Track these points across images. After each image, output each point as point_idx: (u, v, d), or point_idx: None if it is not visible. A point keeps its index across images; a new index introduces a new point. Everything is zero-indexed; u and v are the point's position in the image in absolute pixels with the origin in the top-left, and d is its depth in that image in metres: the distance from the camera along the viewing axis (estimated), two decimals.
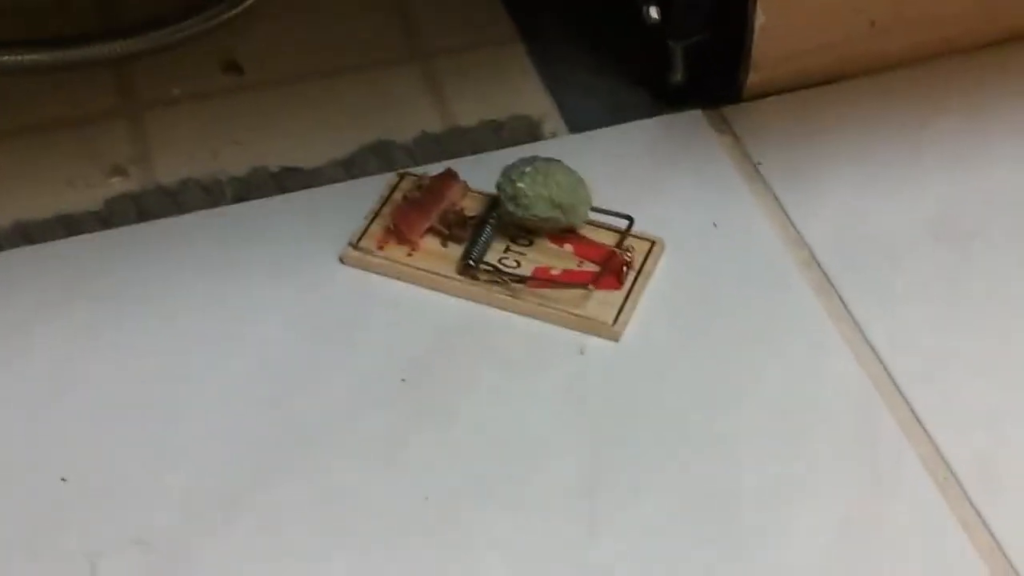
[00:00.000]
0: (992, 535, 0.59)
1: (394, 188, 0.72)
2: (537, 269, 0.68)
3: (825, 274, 0.69)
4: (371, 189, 0.72)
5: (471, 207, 0.71)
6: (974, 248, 0.70)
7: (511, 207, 0.68)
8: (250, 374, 0.65)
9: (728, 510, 0.60)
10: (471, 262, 0.68)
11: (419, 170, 0.73)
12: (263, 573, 0.58)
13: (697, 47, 0.77)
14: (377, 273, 0.69)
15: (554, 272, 0.68)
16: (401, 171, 0.73)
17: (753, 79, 0.76)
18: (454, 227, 0.69)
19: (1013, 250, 0.70)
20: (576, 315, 0.66)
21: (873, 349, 0.66)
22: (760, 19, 0.73)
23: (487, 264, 0.68)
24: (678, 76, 0.77)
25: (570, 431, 0.63)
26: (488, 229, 0.69)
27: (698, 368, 0.65)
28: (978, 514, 0.60)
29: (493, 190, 0.69)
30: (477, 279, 0.68)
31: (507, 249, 0.69)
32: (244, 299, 0.68)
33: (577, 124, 0.77)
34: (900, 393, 0.64)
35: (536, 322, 0.67)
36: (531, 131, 0.77)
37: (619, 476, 0.61)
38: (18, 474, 0.61)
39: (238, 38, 0.82)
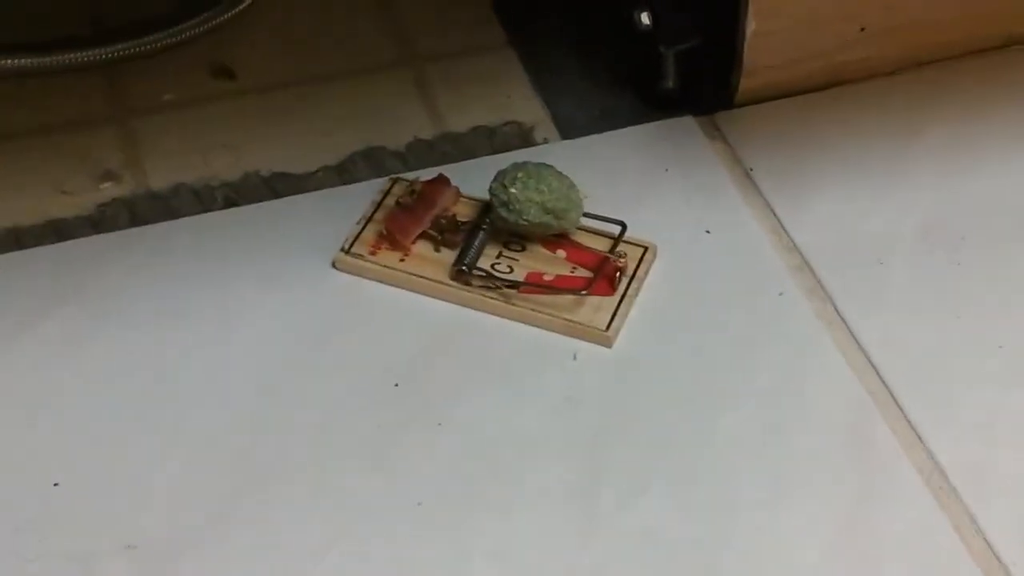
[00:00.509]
0: (986, 540, 0.59)
1: (386, 193, 0.72)
2: (530, 275, 0.68)
3: (817, 279, 0.69)
4: (363, 194, 0.72)
5: (464, 212, 0.71)
6: (966, 253, 0.70)
7: (503, 212, 0.68)
8: (242, 379, 0.65)
9: (721, 516, 0.60)
10: (464, 267, 0.68)
11: (411, 175, 0.72)
12: None
13: (689, 53, 0.77)
14: (370, 278, 0.69)
15: (547, 278, 0.68)
16: (393, 176, 0.73)
17: (745, 85, 0.76)
18: (447, 232, 0.69)
19: (1004, 255, 0.70)
20: (569, 321, 0.66)
21: (866, 354, 0.66)
22: (751, 25, 0.73)
23: (480, 269, 0.68)
24: (670, 82, 0.77)
25: (563, 437, 0.63)
26: (481, 234, 0.69)
27: (691, 374, 0.65)
28: (972, 519, 0.60)
29: (485, 195, 0.69)
30: (470, 284, 0.68)
31: (500, 254, 0.69)
32: (236, 304, 0.68)
33: (569, 130, 0.77)
34: (893, 398, 0.64)
35: (529, 328, 0.67)
36: (523, 137, 0.77)
37: (612, 481, 0.61)
38: (10, 478, 0.61)
39: (229, 43, 0.82)
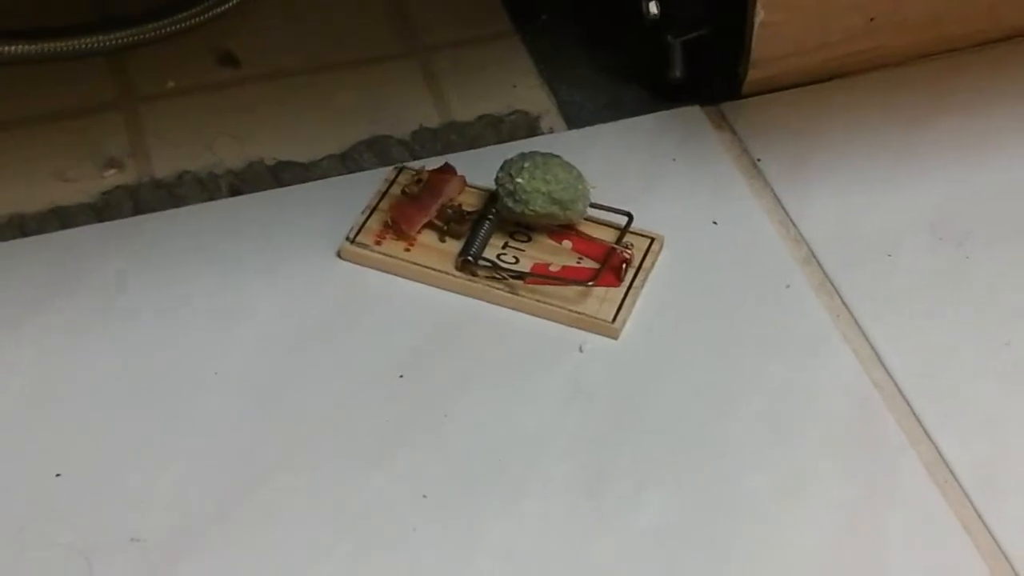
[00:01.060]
0: (993, 537, 0.59)
1: (392, 182, 0.71)
2: (536, 265, 0.68)
3: (824, 272, 0.69)
4: (368, 183, 0.72)
5: (469, 202, 0.70)
6: (975, 246, 0.70)
7: (509, 202, 0.68)
8: (246, 369, 0.64)
9: (728, 510, 0.60)
10: (469, 258, 0.67)
11: (417, 164, 0.72)
12: (259, 571, 0.58)
13: (696, 43, 0.76)
14: (374, 268, 0.68)
15: (553, 268, 0.68)
16: (398, 165, 0.72)
17: (752, 76, 0.76)
18: (452, 222, 0.69)
19: (1014, 248, 0.70)
20: (575, 312, 0.66)
21: (873, 347, 0.65)
22: (760, 16, 0.73)
23: (485, 260, 0.67)
24: (677, 72, 0.77)
25: (569, 430, 0.63)
26: (487, 224, 0.69)
27: (697, 366, 0.65)
28: (979, 516, 0.60)
29: (491, 185, 0.69)
30: (475, 275, 0.67)
31: (505, 245, 0.69)
32: (240, 294, 0.67)
33: (575, 120, 0.77)
34: (900, 393, 0.64)
35: (535, 319, 0.66)
36: (529, 127, 0.76)
37: (619, 475, 0.61)
38: (12, 469, 0.61)
39: (234, 31, 0.81)
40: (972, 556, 0.58)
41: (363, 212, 0.70)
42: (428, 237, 0.69)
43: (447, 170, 0.71)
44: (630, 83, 0.79)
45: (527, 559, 0.58)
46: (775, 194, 0.72)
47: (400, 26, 0.83)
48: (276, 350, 0.65)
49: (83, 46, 0.78)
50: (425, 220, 0.69)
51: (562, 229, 0.69)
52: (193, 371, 0.64)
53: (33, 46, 0.77)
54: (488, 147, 0.75)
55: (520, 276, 0.67)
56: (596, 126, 0.76)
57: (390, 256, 0.68)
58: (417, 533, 0.59)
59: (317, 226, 0.70)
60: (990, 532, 0.59)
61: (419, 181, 0.70)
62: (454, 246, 0.68)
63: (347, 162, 0.74)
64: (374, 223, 0.69)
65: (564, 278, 0.67)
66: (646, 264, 0.68)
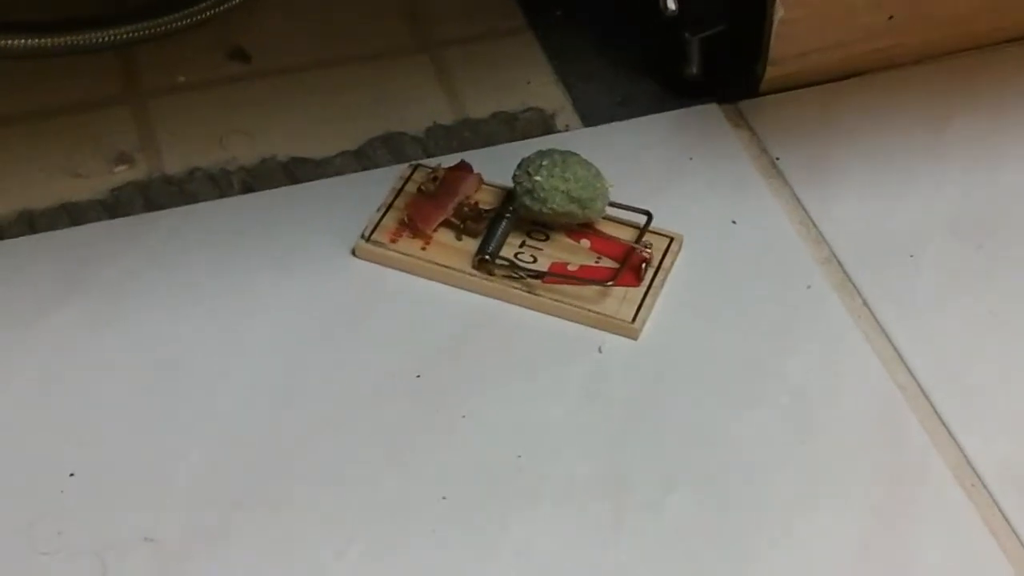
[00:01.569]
0: (1019, 539, 0.58)
1: (407, 180, 0.71)
2: (554, 264, 0.67)
3: (845, 272, 0.68)
4: (382, 180, 0.71)
5: (486, 200, 0.69)
6: (995, 245, 0.69)
7: (527, 200, 0.67)
8: (260, 369, 0.64)
9: (749, 512, 0.59)
10: (487, 256, 0.66)
11: (431, 162, 0.71)
12: (273, 571, 0.57)
13: (713, 40, 0.76)
14: (390, 267, 0.68)
15: (571, 268, 0.67)
16: (413, 163, 0.72)
17: (770, 73, 0.75)
18: (469, 220, 0.68)
19: None
20: (594, 312, 0.65)
21: (895, 348, 0.65)
22: (779, 13, 0.72)
23: (503, 259, 0.67)
24: (693, 69, 0.76)
25: (588, 431, 0.62)
26: (504, 223, 0.68)
27: (718, 367, 0.64)
28: (1005, 518, 0.59)
29: (507, 183, 0.68)
30: (493, 274, 0.66)
31: (523, 244, 0.68)
32: (253, 293, 0.67)
33: (591, 117, 0.76)
34: (924, 394, 0.63)
35: (553, 319, 0.66)
36: (544, 124, 0.76)
37: (639, 476, 0.60)
38: (25, 468, 0.60)
39: (244, 25, 0.80)
40: (998, 558, 0.58)
41: (378, 210, 0.69)
42: (445, 235, 0.68)
43: (463, 168, 0.70)
44: (645, 79, 0.78)
45: (548, 560, 0.58)
46: (794, 193, 0.72)
47: (411, 21, 0.82)
48: (290, 349, 0.65)
49: (93, 40, 0.77)
50: (442, 218, 0.68)
51: (580, 228, 0.68)
52: (206, 370, 0.64)
53: (42, 40, 0.76)
54: (502, 144, 0.74)
55: (538, 275, 0.66)
56: (612, 124, 0.76)
57: (406, 254, 0.67)
58: (436, 535, 0.58)
59: (331, 224, 0.69)
60: (1016, 534, 0.59)
61: (435, 179, 0.70)
62: (471, 245, 0.67)
63: (361, 159, 0.73)
64: (390, 221, 0.69)
65: (583, 278, 0.66)
66: (665, 264, 0.68)
